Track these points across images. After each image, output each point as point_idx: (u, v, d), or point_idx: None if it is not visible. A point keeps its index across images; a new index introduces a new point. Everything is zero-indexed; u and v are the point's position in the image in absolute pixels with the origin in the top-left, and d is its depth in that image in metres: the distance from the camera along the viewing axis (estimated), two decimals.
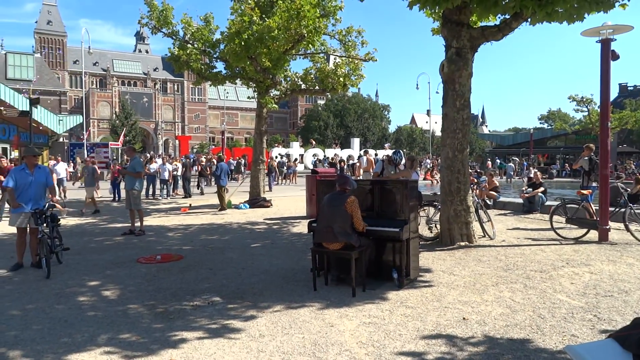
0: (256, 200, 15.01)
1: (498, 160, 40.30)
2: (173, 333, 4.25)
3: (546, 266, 6.61)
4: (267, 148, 25.47)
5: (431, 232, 9.04)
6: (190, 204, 15.20)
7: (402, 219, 5.75)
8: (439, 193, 9.49)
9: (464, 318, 4.54)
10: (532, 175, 14.19)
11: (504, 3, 7.44)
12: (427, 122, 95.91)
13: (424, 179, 26.11)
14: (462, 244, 8.11)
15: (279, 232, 10.17)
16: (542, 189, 12.74)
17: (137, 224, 9.98)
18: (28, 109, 18.36)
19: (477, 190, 11.90)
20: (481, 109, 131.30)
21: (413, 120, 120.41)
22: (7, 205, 11.28)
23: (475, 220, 8.60)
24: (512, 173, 30.63)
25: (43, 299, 5.31)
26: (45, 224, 6.67)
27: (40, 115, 24.82)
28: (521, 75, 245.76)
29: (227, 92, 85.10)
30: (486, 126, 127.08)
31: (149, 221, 11.46)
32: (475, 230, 8.49)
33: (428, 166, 33.28)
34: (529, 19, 7.62)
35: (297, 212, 13.48)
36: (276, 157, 32.33)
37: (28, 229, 6.88)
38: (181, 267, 6.82)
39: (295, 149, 43.56)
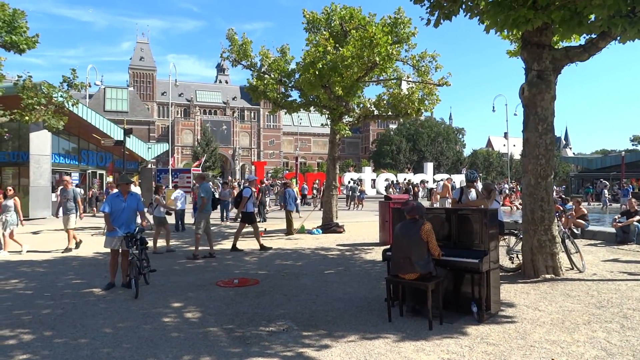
0: (329, 226, 15.11)
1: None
2: (250, 358, 4.34)
3: None
4: (340, 173, 25.70)
5: (512, 262, 8.56)
6: (265, 229, 15.62)
7: (481, 249, 5.52)
8: (520, 221, 9.01)
9: (552, 359, 4.22)
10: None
11: (589, 22, 7.06)
12: (504, 145, 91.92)
13: (503, 204, 24.88)
14: (548, 276, 7.58)
15: (351, 258, 10.13)
16: (638, 217, 11.65)
17: (206, 247, 10.41)
18: (122, 139, 20.03)
19: (563, 219, 11.15)
20: (564, 130, 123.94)
21: (489, 143, 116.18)
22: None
23: (561, 251, 8.04)
24: (607, 199, 27.93)
25: (132, 319, 5.66)
26: (135, 247, 7.16)
27: (132, 143, 26.98)
28: (608, 93, 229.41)
29: (301, 119, 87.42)
30: (570, 148, 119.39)
31: (227, 245, 11.92)
32: (562, 262, 7.92)
33: (506, 191, 31.73)
34: (619, 37, 7.16)
35: (370, 238, 13.37)
36: (348, 182, 32.48)
37: (120, 250, 7.43)
38: (257, 292, 6.99)
39: (368, 173, 43.52)
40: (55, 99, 14.50)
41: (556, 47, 8.42)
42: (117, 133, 24.65)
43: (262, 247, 11.35)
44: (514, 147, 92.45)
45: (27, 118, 14.06)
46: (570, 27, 7.07)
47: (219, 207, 19.05)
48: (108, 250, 7.61)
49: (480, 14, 7.52)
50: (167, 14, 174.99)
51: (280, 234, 14.73)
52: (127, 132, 20.84)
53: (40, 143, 20.63)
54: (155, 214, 11.63)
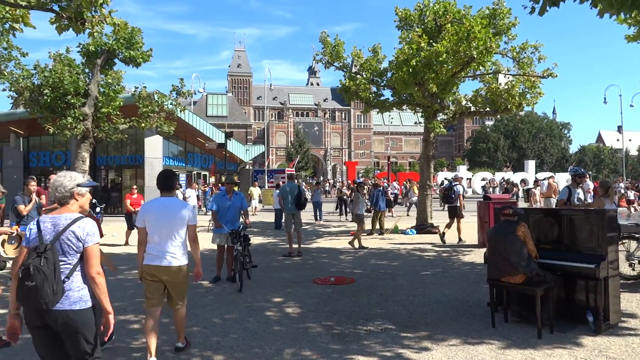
0: (423, 226, 14.78)
1: None
2: (350, 356, 4.40)
3: None
4: (433, 172, 25.03)
5: (633, 269, 7.73)
6: None
7: (598, 253, 5.06)
8: None
9: None
10: None
11: None
12: (618, 140, 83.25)
13: (618, 205, 22.56)
14: None
15: (449, 260, 9.83)
16: None
17: (295, 245, 10.63)
18: (224, 142, 21.29)
19: None
20: None
21: (600, 138, 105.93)
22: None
23: None
24: None
25: (237, 311, 6.01)
26: (239, 243, 7.57)
27: (232, 146, 28.59)
28: None
29: (392, 118, 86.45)
30: None
31: (321, 243, 12.17)
32: None
33: (622, 191, 28.65)
34: None
35: (467, 239, 12.83)
36: (442, 181, 31.51)
37: (226, 246, 7.91)
38: (353, 291, 7.05)
39: (463, 172, 41.84)
40: (166, 106, 15.82)
41: None
42: (218, 136, 26.29)
43: (442, 238, 12.42)
44: (630, 141, 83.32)
45: (142, 125, 15.50)
46: None
47: (311, 206, 19.55)
48: (214, 246, 8.15)
49: None
50: (262, 22, 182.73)
51: (374, 233, 14.71)
52: (228, 136, 22.13)
53: (153, 147, 22.62)
54: (356, 212, 12.28)
